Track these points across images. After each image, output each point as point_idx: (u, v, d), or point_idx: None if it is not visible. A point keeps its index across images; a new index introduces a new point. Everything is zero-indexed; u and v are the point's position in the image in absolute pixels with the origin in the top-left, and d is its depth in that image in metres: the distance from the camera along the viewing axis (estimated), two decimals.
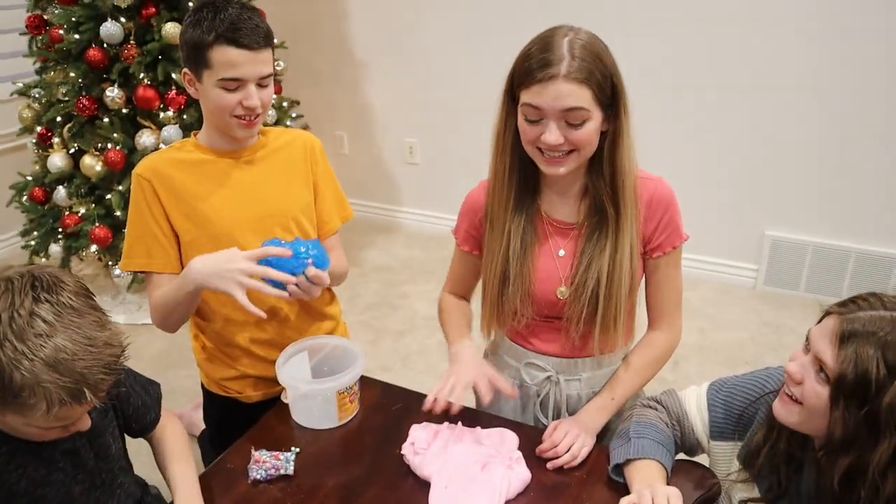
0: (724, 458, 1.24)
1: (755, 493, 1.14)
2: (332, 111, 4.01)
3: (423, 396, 1.45)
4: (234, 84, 1.32)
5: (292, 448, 1.29)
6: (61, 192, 2.87)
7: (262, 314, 1.29)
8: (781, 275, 3.25)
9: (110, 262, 2.95)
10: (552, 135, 1.17)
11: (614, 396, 1.37)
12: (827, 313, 1.01)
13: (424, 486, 1.21)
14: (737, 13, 2.96)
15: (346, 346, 1.45)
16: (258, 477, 1.23)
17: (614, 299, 1.29)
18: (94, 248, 2.86)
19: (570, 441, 1.27)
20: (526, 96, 1.18)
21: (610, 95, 1.19)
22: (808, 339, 1.03)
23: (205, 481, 1.24)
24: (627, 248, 1.27)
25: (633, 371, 1.38)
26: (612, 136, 1.22)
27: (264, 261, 1.27)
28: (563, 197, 1.33)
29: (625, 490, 1.17)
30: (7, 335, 0.86)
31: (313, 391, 1.31)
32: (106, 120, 2.77)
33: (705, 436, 1.26)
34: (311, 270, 1.29)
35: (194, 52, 1.32)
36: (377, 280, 3.49)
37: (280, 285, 1.27)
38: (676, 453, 1.27)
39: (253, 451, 1.27)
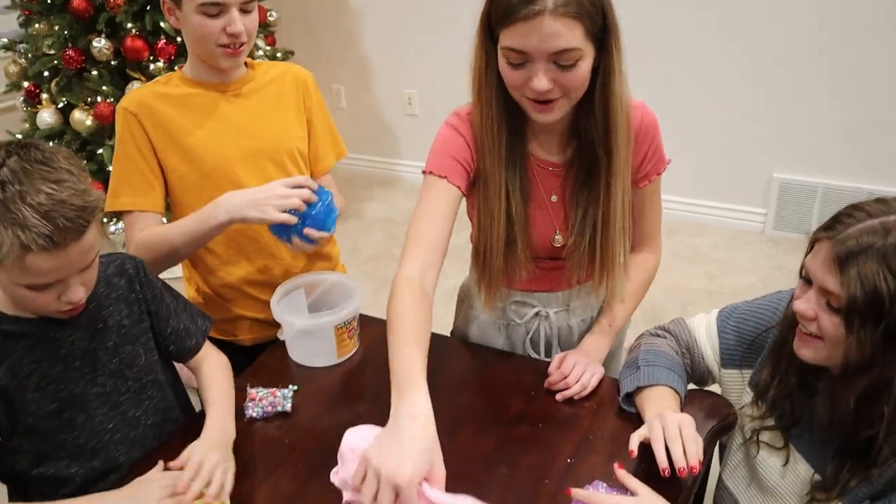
0: (734, 386, 1.20)
1: (767, 423, 1.10)
2: (329, 64, 3.90)
3: None
4: (215, 9, 1.26)
5: (290, 385, 1.25)
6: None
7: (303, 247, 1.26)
8: (791, 218, 3.17)
9: (104, 220, 2.90)
10: (540, 81, 1.03)
11: (611, 323, 1.32)
12: (816, 240, 0.95)
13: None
14: None
15: (343, 281, 1.40)
16: (254, 415, 1.19)
17: (611, 242, 1.21)
18: None
19: (580, 371, 1.22)
20: (506, 38, 1.03)
21: (601, 27, 1.04)
22: (804, 272, 0.97)
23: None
24: (621, 191, 1.18)
25: (626, 296, 1.32)
26: (603, 73, 1.08)
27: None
28: (549, 135, 1.21)
29: (637, 420, 1.12)
30: None
31: (310, 326, 1.26)
32: (94, 72, 2.70)
33: (716, 364, 1.22)
34: (315, 234, 1.24)
35: None
36: (378, 231, 3.45)
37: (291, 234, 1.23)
38: (687, 383, 1.22)
39: (249, 389, 1.22)
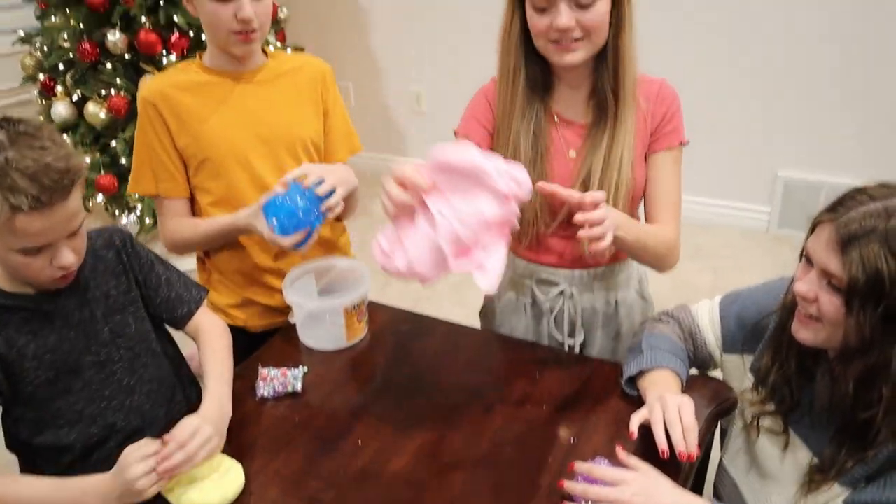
0: (736, 371, 1.22)
1: (767, 408, 1.12)
2: (337, 61, 3.90)
3: (433, 320, 1.44)
4: None
5: (300, 366, 1.28)
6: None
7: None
8: (795, 216, 3.19)
9: (117, 212, 2.94)
10: (563, 16, 1.13)
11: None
12: (818, 222, 0.97)
13: (436, 407, 1.20)
14: None
15: (353, 266, 1.43)
16: (265, 394, 1.23)
17: (610, 192, 1.24)
18: (100, 197, 2.85)
19: (602, 215, 1.07)
20: None
21: None
22: (806, 254, 1.00)
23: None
24: (622, 140, 1.23)
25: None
26: (615, 22, 1.19)
27: (272, 207, 1.25)
28: (574, 92, 1.29)
29: (638, 403, 1.14)
30: None
31: (321, 308, 1.30)
32: (108, 66, 2.74)
33: (718, 349, 1.24)
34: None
35: None
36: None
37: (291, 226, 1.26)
38: (689, 367, 1.24)
39: (260, 368, 1.26)
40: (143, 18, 2.68)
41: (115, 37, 2.67)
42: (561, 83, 1.29)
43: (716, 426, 1.22)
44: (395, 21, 3.76)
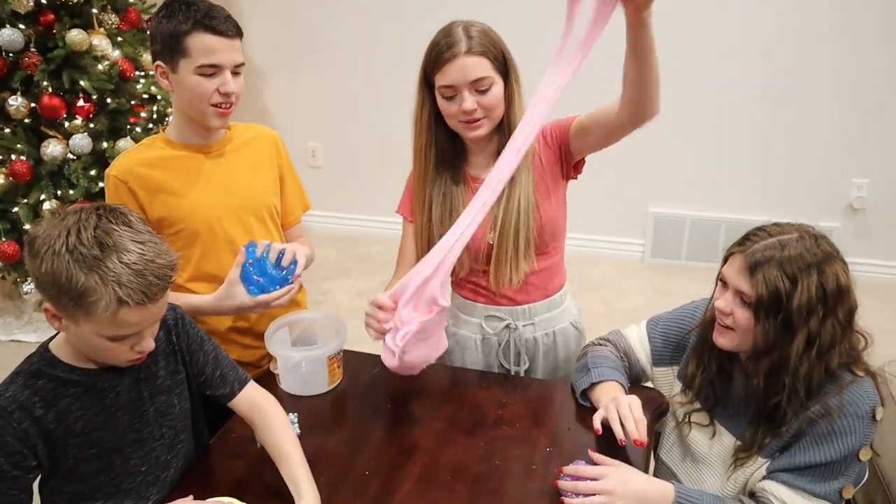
0: (665, 380, 1.48)
1: (695, 406, 1.38)
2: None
3: None
4: (211, 70, 1.37)
5: (290, 413, 1.39)
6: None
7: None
8: (665, 246, 3.64)
9: (18, 280, 2.83)
10: (467, 102, 1.39)
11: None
12: (730, 254, 1.25)
13: (424, 435, 1.36)
14: None
15: (323, 317, 1.56)
16: None
17: (518, 232, 1.47)
18: None
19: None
20: (440, 79, 1.40)
21: (504, 65, 1.42)
22: (721, 280, 1.26)
23: (215, 450, 1.32)
24: (518, 192, 1.46)
25: None
26: (507, 99, 1.45)
27: (245, 273, 1.40)
28: (484, 157, 1.52)
29: (593, 411, 1.36)
30: (74, 245, 0.96)
31: (307, 357, 1.42)
32: (7, 130, 2.67)
33: (648, 364, 1.49)
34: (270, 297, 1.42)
35: (170, 42, 1.36)
36: None
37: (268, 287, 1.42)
38: (628, 381, 1.49)
39: None
40: (45, 83, 2.66)
41: (17, 101, 2.62)
42: (472, 150, 1.54)
43: (654, 429, 1.46)
44: (290, 81, 3.92)
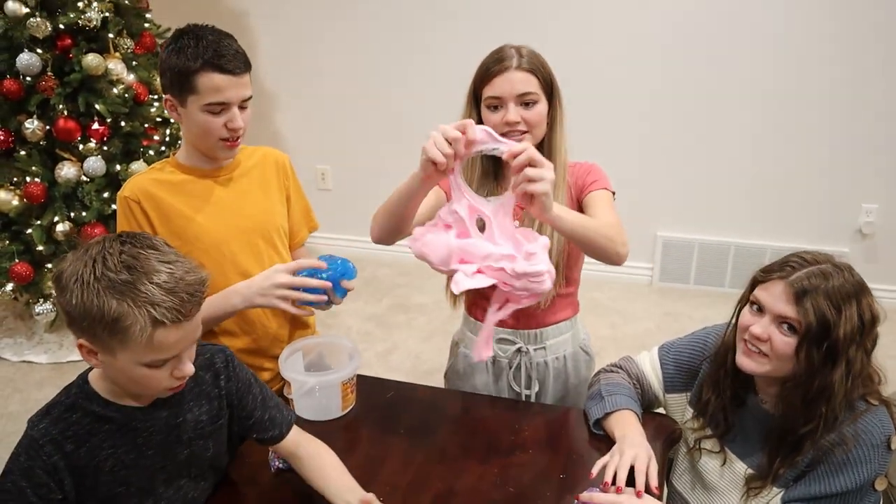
0: (678, 407, 1.48)
1: (706, 432, 1.38)
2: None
3: (411, 385, 1.61)
4: (219, 108, 1.40)
5: None
6: None
7: (309, 313, 1.49)
8: (674, 270, 3.65)
9: (30, 301, 2.85)
10: (511, 113, 1.41)
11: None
12: (764, 279, 1.23)
13: (437, 462, 1.36)
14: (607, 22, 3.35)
15: (337, 342, 1.57)
16: (281, 465, 1.32)
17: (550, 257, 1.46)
18: (10, 286, 2.76)
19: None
20: (488, 90, 1.43)
21: (550, 87, 1.45)
22: (755, 304, 1.24)
23: (233, 478, 1.32)
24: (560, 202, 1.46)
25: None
26: (550, 122, 1.48)
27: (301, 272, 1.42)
28: None
29: (605, 440, 1.37)
30: (102, 273, 0.96)
31: (322, 383, 1.43)
32: (23, 153, 2.70)
33: (661, 390, 1.50)
34: (348, 284, 1.47)
35: (179, 79, 1.38)
36: None
37: (317, 292, 1.43)
38: (641, 407, 1.49)
39: None
40: (61, 106, 2.70)
41: (33, 124, 2.66)
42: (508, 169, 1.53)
43: (667, 457, 1.46)
44: (299, 104, 3.96)
